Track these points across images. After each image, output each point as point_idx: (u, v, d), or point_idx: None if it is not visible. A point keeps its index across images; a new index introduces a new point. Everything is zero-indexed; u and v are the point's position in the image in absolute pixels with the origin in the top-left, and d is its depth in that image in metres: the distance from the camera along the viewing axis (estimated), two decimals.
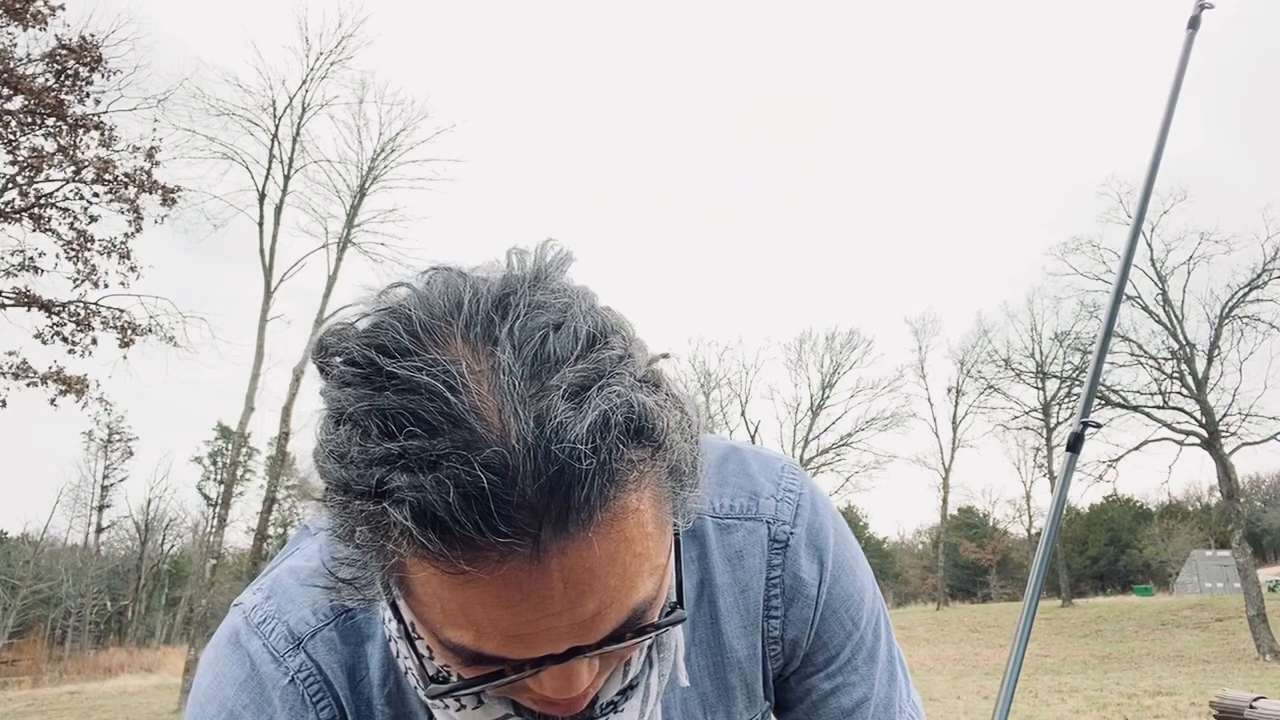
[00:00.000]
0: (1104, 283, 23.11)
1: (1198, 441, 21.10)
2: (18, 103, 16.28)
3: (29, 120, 16.56)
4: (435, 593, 0.49)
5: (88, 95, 17.18)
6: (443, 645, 0.52)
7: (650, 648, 0.65)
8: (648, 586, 0.52)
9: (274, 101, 22.45)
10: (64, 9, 16.54)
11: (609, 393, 0.47)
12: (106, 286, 17.68)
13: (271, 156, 22.40)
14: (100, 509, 48.50)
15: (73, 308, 17.33)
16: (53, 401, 16.91)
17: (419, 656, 0.58)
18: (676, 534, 0.57)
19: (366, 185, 23.53)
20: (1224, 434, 20.74)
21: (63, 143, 16.90)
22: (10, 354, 16.59)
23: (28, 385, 16.65)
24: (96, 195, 17.29)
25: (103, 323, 17.51)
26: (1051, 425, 34.09)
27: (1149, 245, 22.92)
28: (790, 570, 0.76)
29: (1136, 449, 22.58)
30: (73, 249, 17.31)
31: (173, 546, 53.85)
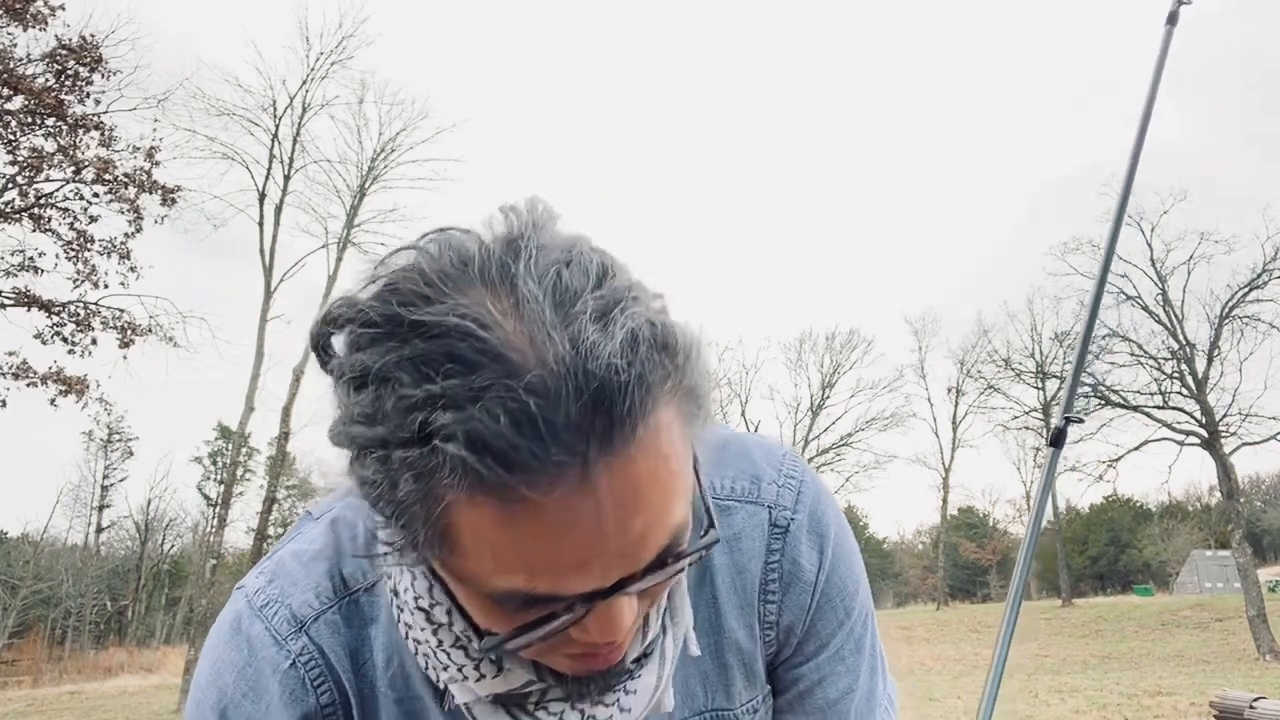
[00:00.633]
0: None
1: (1198, 441, 21.08)
2: (18, 103, 16.28)
3: (29, 120, 16.56)
4: (486, 536, 0.49)
5: (88, 95, 17.19)
6: (489, 600, 0.52)
7: (665, 613, 0.66)
8: (682, 507, 0.54)
9: (274, 101, 22.47)
10: (64, 9, 16.55)
11: (631, 313, 0.49)
12: (106, 287, 17.68)
13: (271, 156, 22.42)
14: (100, 509, 48.51)
15: (73, 308, 17.32)
16: (53, 401, 16.91)
17: (462, 614, 0.59)
18: (696, 462, 0.58)
19: (367, 185, 23.55)
20: (1224, 434, 20.73)
21: (63, 143, 16.89)
22: (10, 354, 16.60)
23: (28, 385, 16.64)
24: (96, 195, 17.30)
25: (103, 323, 17.50)
26: (1051, 425, 34.02)
27: (1149, 245, 22.93)
28: (790, 556, 0.76)
29: (1136, 449, 22.57)
30: (73, 249, 17.30)
31: (173, 546, 53.90)
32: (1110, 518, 66.51)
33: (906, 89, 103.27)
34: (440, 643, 0.63)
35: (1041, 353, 32.71)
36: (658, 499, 0.51)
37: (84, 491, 47.72)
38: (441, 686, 0.66)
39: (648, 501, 0.50)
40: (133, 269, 17.82)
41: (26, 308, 16.84)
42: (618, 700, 0.64)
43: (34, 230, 17.06)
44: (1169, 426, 21.80)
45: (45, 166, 17.00)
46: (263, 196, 22.26)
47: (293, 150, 22.56)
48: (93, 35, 17.12)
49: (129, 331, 17.74)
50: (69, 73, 16.81)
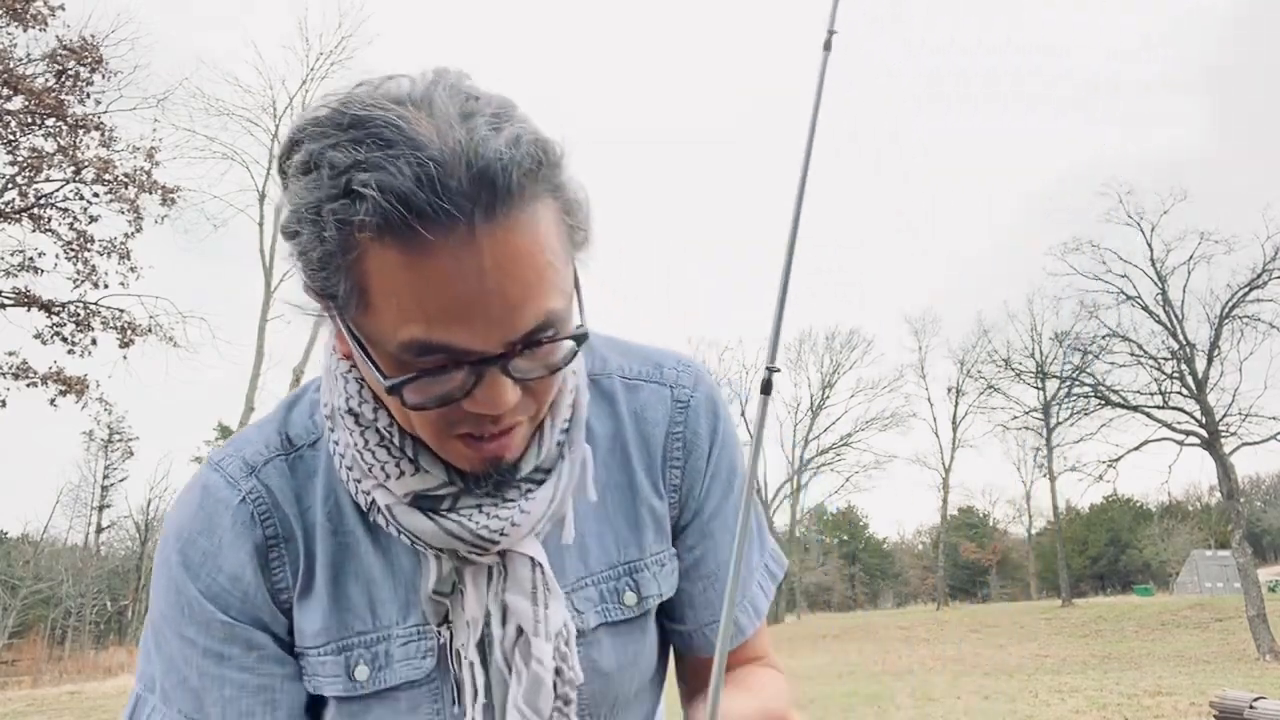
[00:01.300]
0: (1103, 283, 23.12)
1: (1198, 441, 21.06)
2: (18, 103, 16.27)
3: (29, 120, 16.55)
4: (391, 282, 0.61)
5: (88, 95, 17.19)
6: (395, 357, 0.64)
7: (563, 441, 0.78)
8: (558, 299, 0.65)
9: (274, 101, 22.49)
10: (64, 9, 16.55)
11: (519, 125, 0.63)
12: (106, 287, 17.66)
13: (271, 156, 22.41)
14: (100, 509, 48.51)
15: (73, 308, 17.31)
16: (53, 402, 16.89)
17: (385, 411, 0.72)
18: (576, 276, 0.70)
19: None
20: (1224, 434, 20.71)
21: (63, 143, 16.88)
22: (10, 354, 16.58)
23: (28, 385, 16.63)
24: (96, 195, 17.28)
25: (103, 323, 17.49)
26: (1051, 425, 34.07)
27: (1149, 245, 22.92)
28: (691, 427, 0.89)
29: (1136, 449, 22.55)
30: (73, 249, 17.28)
31: None
32: (1110, 518, 66.53)
33: (906, 88, 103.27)
34: (367, 443, 0.73)
35: (1041, 353, 32.75)
36: (533, 276, 0.63)
37: (84, 491, 47.78)
38: (366, 507, 0.75)
39: (523, 273, 0.62)
40: (133, 269, 17.81)
41: (26, 308, 16.84)
42: (518, 505, 0.74)
43: (34, 230, 17.06)
44: (1169, 426, 21.79)
45: (45, 166, 16.99)
46: (263, 196, 22.29)
47: None
48: (93, 35, 17.13)
49: (129, 331, 17.73)
50: (69, 73, 16.81)
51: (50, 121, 16.67)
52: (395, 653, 0.77)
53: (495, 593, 0.76)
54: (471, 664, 0.76)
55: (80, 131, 16.91)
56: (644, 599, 0.85)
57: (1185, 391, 21.57)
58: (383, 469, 0.73)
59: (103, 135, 17.25)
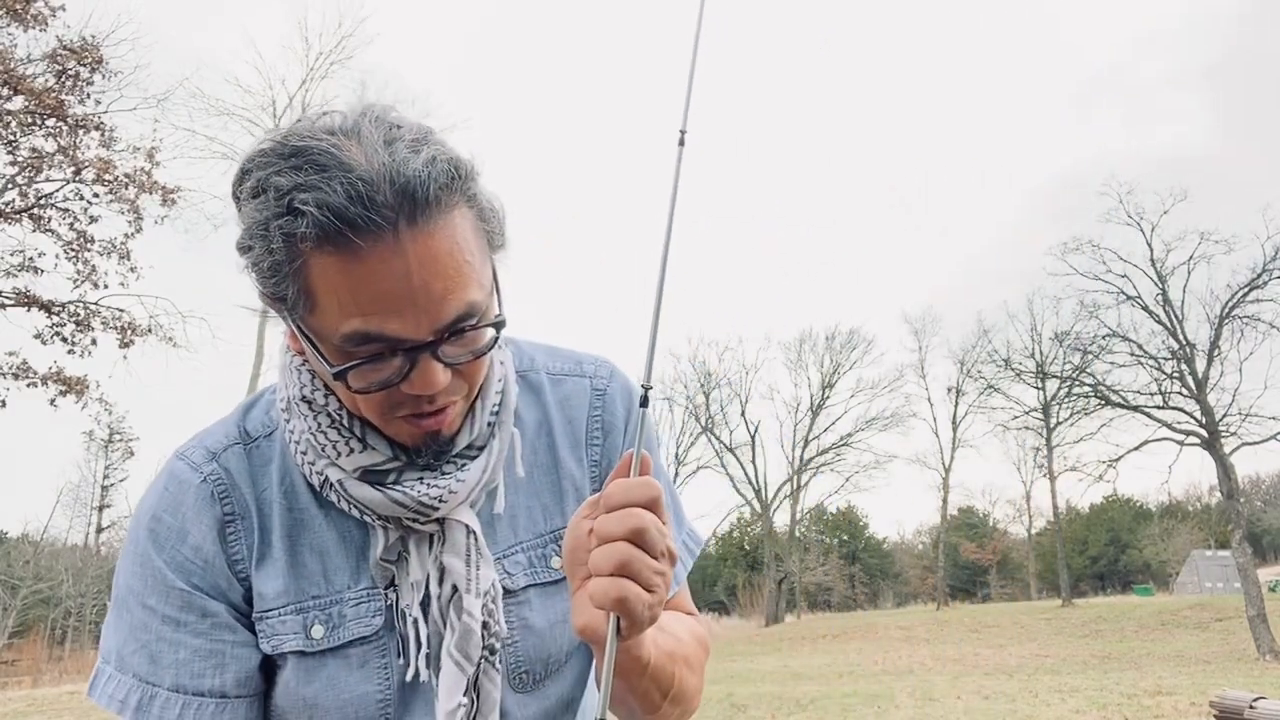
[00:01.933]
0: (1103, 283, 23.12)
1: (1198, 441, 21.05)
2: (18, 103, 16.25)
3: (29, 121, 16.53)
4: (331, 284, 0.72)
5: (88, 95, 17.16)
6: (339, 349, 0.75)
7: (493, 421, 0.90)
8: (478, 292, 0.77)
9: (274, 101, 22.48)
10: (64, 9, 16.53)
11: (435, 147, 0.75)
12: (106, 287, 17.62)
13: None
14: (100, 509, 48.50)
15: (73, 308, 17.28)
16: (53, 402, 16.87)
17: (334, 395, 0.83)
18: (495, 273, 0.82)
19: None
20: (1224, 434, 20.70)
21: (63, 143, 16.85)
22: (10, 354, 16.56)
23: (28, 385, 16.60)
24: (96, 195, 17.23)
25: (103, 323, 17.46)
26: (1051, 425, 34.07)
27: (1149, 245, 22.92)
28: (609, 410, 1.02)
29: (1136, 449, 22.56)
30: (73, 249, 17.26)
31: None
32: (1110, 518, 66.54)
33: (905, 87, 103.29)
34: (320, 425, 0.85)
35: (1041, 353, 32.75)
36: (453, 272, 0.74)
37: (84, 491, 47.77)
38: (320, 485, 0.86)
39: (445, 270, 0.74)
40: (133, 269, 17.77)
41: (26, 308, 16.82)
42: (454, 475, 0.85)
43: (34, 230, 17.03)
44: (1169, 426, 21.79)
45: (45, 167, 16.96)
46: None
47: None
48: (93, 35, 17.11)
49: (129, 331, 17.70)
50: (69, 73, 16.78)
51: (50, 121, 16.65)
52: (348, 613, 0.87)
53: (434, 556, 0.86)
54: (415, 620, 0.86)
55: (80, 132, 16.89)
56: None
57: (1185, 391, 21.57)
58: (334, 448, 0.84)
59: (103, 135, 17.22)
